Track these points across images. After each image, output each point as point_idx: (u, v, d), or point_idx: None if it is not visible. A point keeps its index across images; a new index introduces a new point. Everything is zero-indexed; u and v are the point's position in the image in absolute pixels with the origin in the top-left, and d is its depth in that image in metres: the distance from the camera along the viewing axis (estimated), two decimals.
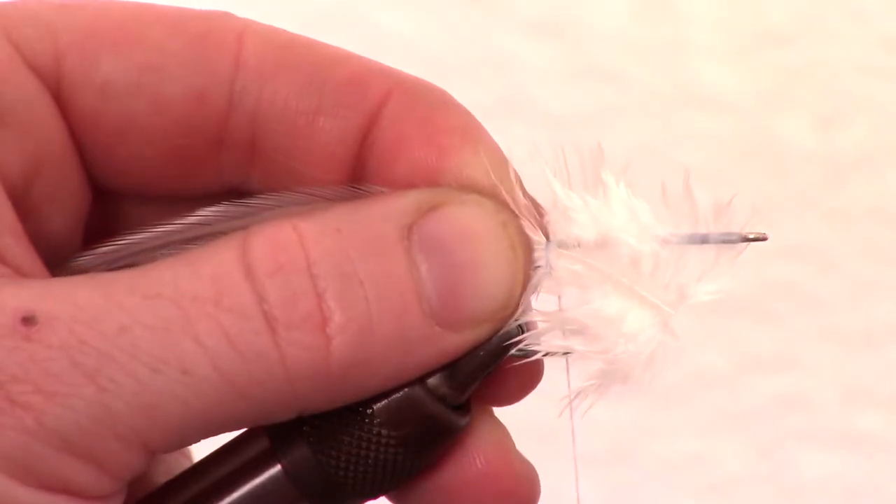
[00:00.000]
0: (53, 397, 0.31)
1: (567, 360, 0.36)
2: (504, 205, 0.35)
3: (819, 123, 0.86)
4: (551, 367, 0.38)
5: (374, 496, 0.36)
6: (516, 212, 0.36)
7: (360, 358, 0.33)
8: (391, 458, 0.35)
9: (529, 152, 0.36)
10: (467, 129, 0.37)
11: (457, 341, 0.34)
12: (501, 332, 0.35)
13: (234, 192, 0.39)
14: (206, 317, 0.32)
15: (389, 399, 0.35)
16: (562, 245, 0.36)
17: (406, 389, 0.35)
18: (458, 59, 0.82)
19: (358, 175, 0.37)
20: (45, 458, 0.31)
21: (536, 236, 0.36)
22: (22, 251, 0.34)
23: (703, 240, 0.35)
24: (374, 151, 0.37)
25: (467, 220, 0.34)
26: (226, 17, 0.38)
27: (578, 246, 0.36)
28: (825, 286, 0.88)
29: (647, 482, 0.89)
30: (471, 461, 0.37)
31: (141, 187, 0.39)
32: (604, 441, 0.89)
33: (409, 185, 0.36)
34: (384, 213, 0.34)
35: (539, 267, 0.36)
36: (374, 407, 0.35)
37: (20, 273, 0.33)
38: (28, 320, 0.31)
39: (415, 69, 0.39)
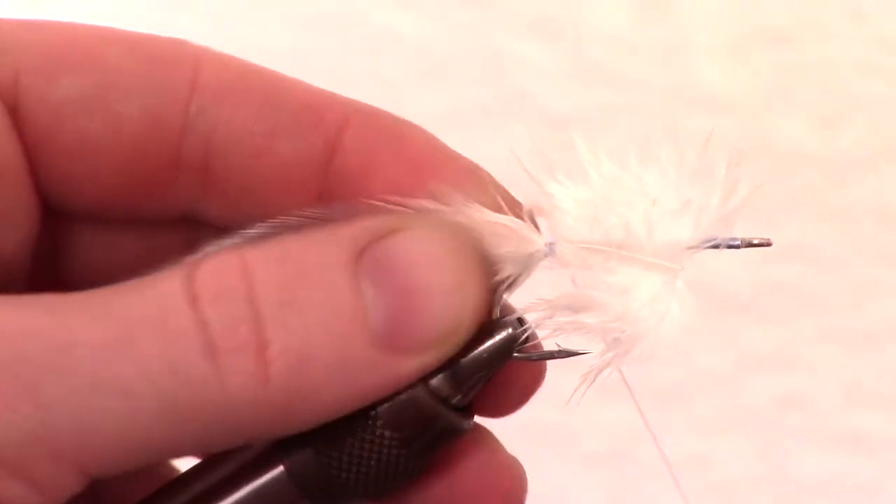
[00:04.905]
0: None
1: (573, 360, 0.36)
2: (465, 226, 0.35)
3: (819, 123, 0.86)
4: (552, 369, 0.38)
5: (377, 497, 0.36)
6: (505, 211, 0.35)
7: (301, 384, 0.33)
8: (393, 460, 0.35)
9: (511, 148, 0.35)
10: (435, 145, 0.37)
11: (403, 368, 0.34)
12: (506, 333, 0.35)
13: (191, 217, 0.39)
14: (150, 340, 0.31)
15: (392, 401, 0.35)
16: (559, 239, 0.36)
17: (409, 391, 0.35)
18: (459, 59, 0.82)
19: (328, 202, 0.37)
20: None
21: (531, 235, 0.36)
22: None
23: (707, 244, 0.35)
24: (344, 176, 0.37)
25: (415, 246, 0.34)
26: (183, 43, 0.38)
27: (573, 239, 0.36)
28: (825, 286, 0.88)
29: (647, 482, 0.89)
30: (467, 465, 0.37)
31: (95, 209, 0.39)
32: (604, 441, 0.89)
33: (385, 203, 0.35)
34: (332, 240, 0.34)
35: (515, 279, 0.36)
36: (377, 408, 0.35)
37: None
38: None
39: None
